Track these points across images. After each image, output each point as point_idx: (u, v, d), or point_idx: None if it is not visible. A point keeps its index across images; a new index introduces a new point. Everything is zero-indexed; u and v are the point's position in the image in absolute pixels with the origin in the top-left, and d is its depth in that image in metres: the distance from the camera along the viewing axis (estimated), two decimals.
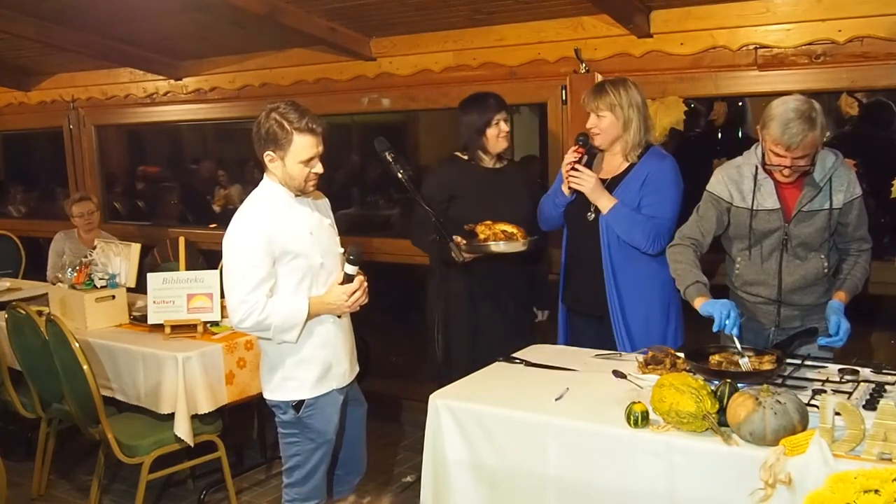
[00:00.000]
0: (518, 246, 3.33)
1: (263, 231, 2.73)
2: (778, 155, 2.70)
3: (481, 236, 3.33)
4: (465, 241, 3.32)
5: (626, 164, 3.24)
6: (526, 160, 5.33)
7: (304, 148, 2.73)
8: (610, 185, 3.24)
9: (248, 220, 2.78)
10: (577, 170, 3.18)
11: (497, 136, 3.51)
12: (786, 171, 2.74)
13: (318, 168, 2.79)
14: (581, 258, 3.33)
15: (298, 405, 2.86)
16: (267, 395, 2.93)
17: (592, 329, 3.34)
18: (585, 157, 3.25)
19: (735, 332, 2.66)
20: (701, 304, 2.78)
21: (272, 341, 2.83)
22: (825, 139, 2.86)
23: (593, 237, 3.22)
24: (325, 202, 3.02)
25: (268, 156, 2.76)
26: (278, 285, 2.79)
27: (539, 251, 3.61)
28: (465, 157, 3.59)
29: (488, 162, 3.58)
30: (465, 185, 3.50)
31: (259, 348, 2.99)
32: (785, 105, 2.66)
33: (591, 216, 3.25)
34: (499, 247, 3.31)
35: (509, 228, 3.35)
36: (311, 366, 2.86)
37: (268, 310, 2.72)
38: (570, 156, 3.24)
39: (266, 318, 2.72)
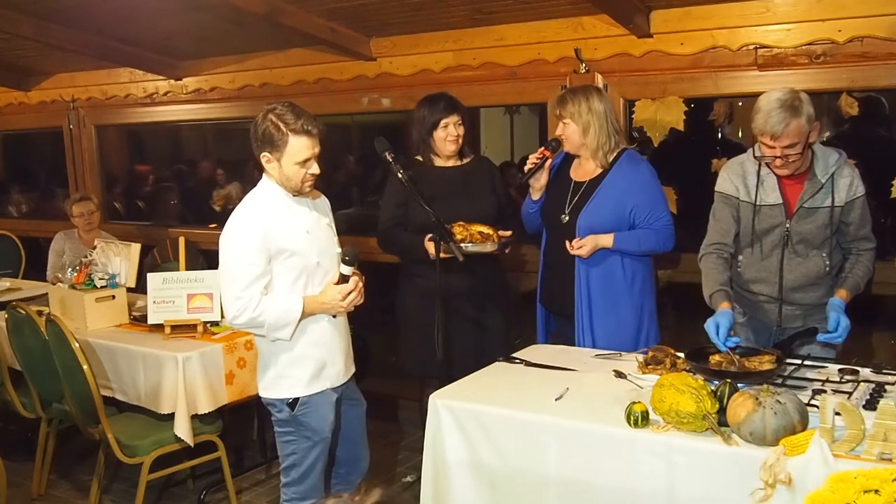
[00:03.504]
0: (487, 247, 3.32)
1: (259, 229, 2.75)
2: (768, 146, 2.74)
3: (458, 237, 3.30)
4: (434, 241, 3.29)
5: (601, 169, 3.29)
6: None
7: (299, 149, 2.73)
8: (588, 187, 3.29)
9: (245, 219, 2.79)
10: (574, 247, 3.18)
11: (444, 139, 3.47)
12: (777, 162, 2.76)
13: (315, 169, 2.79)
14: (556, 259, 3.37)
15: (293, 403, 2.87)
16: (262, 393, 2.94)
17: (567, 329, 3.37)
18: (549, 161, 3.30)
19: (726, 345, 2.66)
20: (716, 312, 2.80)
21: (266, 338, 2.84)
22: (823, 138, 2.88)
23: (567, 239, 3.25)
24: (324, 201, 3.03)
25: (264, 157, 2.77)
26: (274, 283, 2.80)
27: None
28: (420, 159, 3.57)
29: (443, 162, 3.56)
30: (420, 187, 3.35)
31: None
32: (768, 97, 2.71)
33: (566, 218, 3.30)
34: (467, 248, 3.27)
35: (485, 230, 3.34)
36: (305, 364, 2.87)
37: (261, 307, 2.74)
38: (533, 157, 3.30)
39: (259, 315, 2.74)
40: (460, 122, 3.48)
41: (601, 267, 3.25)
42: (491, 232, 3.34)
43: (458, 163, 3.58)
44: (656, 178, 3.30)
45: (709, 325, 2.74)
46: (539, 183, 3.35)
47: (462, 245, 3.26)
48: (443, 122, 3.45)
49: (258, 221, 2.76)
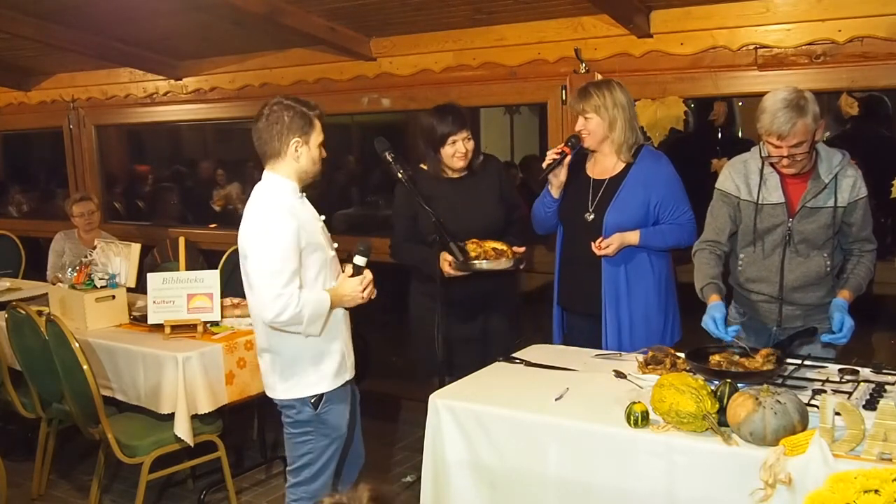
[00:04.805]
0: (502, 264, 3.28)
1: (292, 224, 2.74)
2: (774, 146, 2.73)
3: (472, 254, 3.28)
4: (453, 261, 3.27)
5: (622, 165, 3.26)
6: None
7: (321, 131, 2.84)
8: (609, 184, 3.26)
9: (275, 214, 2.76)
10: (601, 247, 3.16)
11: (452, 155, 3.39)
12: (785, 162, 2.76)
13: (324, 153, 2.89)
14: (578, 258, 3.32)
15: (317, 402, 2.87)
16: (282, 395, 2.90)
17: (589, 329, 3.34)
18: (568, 158, 3.25)
19: (729, 335, 2.70)
20: (707, 307, 2.83)
21: (300, 335, 2.81)
22: (824, 139, 2.88)
23: (590, 238, 3.22)
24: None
25: (294, 143, 2.78)
26: (302, 279, 2.80)
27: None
28: (426, 168, 3.51)
29: (451, 173, 3.49)
30: (427, 199, 3.28)
31: (261, 348, 2.96)
32: (774, 96, 2.71)
33: (591, 217, 3.26)
34: (481, 265, 3.25)
35: (499, 246, 3.31)
36: (330, 359, 2.89)
37: (301, 302, 2.72)
38: (551, 153, 3.25)
39: (300, 311, 2.72)
40: (469, 136, 3.40)
41: (631, 264, 3.23)
42: (505, 248, 3.31)
43: (465, 173, 3.51)
44: (676, 172, 3.29)
45: (706, 322, 2.78)
46: (558, 179, 3.28)
47: (476, 262, 3.25)
48: (451, 138, 3.37)
49: (289, 216, 2.75)
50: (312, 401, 2.87)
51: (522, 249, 3.37)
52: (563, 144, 3.27)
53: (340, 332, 2.93)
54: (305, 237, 2.77)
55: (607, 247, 3.16)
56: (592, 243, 3.17)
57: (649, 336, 3.21)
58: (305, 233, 2.77)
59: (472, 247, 3.30)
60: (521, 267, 3.45)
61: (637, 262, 3.23)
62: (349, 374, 2.97)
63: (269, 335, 2.87)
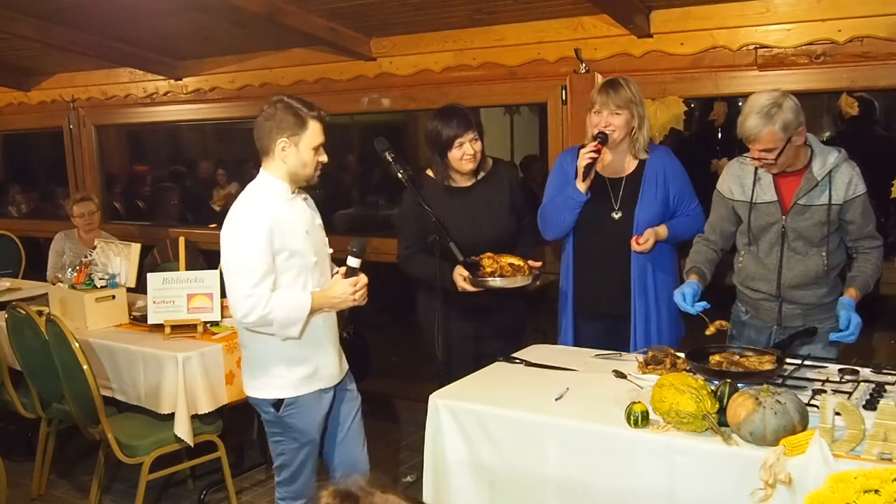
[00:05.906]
0: (518, 281, 3.20)
1: (265, 225, 2.70)
2: (748, 146, 2.81)
3: (488, 269, 3.20)
4: (468, 276, 3.20)
5: (636, 162, 3.25)
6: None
7: (316, 134, 2.77)
8: (629, 181, 3.25)
9: (249, 213, 2.74)
10: (639, 242, 3.13)
11: (460, 158, 3.27)
12: (756, 162, 2.84)
13: (324, 157, 2.83)
14: (597, 259, 3.29)
15: (278, 404, 2.84)
16: (248, 393, 2.92)
17: (603, 331, 3.32)
18: (600, 154, 3.17)
19: (696, 310, 2.83)
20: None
21: (275, 337, 2.78)
22: (824, 138, 2.90)
23: (616, 236, 3.19)
24: (310, 200, 2.99)
25: (282, 143, 2.75)
26: (278, 280, 2.77)
27: None
28: (432, 175, 3.42)
29: (460, 180, 3.39)
30: (433, 209, 3.17)
31: (241, 343, 2.95)
32: (755, 99, 2.76)
33: (618, 215, 3.24)
34: (495, 282, 3.17)
35: (516, 262, 3.22)
36: (300, 366, 2.83)
37: (271, 304, 2.69)
38: (589, 153, 3.12)
39: (269, 312, 2.69)
40: (476, 137, 3.28)
41: (657, 259, 3.23)
42: (522, 263, 3.21)
43: (474, 180, 3.40)
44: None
45: (676, 295, 2.88)
46: (589, 179, 3.19)
47: (491, 280, 3.17)
48: (458, 140, 3.25)
49: (263, 217, 2.72)
50: (273, 403, 2.84)
51: (539, 264, 3.28)
52: (595, 143, 3.16)
53: (317, 338, 2.86)
54: (280, 240, 2.73)
55: (645, 242, 3.14)
56: (632, 241, 3.14)
57: (671, 332, 3.24)
58: (282, 235, 2.73)
59: (487, 262, 3.22)
60: (538, 283, 3.40)
61: (661, 257, 3.25)
62: (325, 382, 2.89)
63: (243, 332, 2.88)
